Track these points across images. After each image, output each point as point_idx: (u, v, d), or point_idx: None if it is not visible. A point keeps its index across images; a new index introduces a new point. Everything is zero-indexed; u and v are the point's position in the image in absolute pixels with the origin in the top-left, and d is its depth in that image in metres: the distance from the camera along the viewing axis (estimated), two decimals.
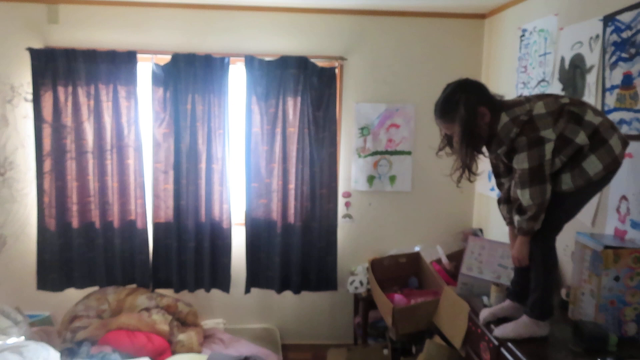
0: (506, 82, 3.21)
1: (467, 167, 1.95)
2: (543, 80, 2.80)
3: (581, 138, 1.85)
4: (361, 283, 3.28)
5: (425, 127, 3.55)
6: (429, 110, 3.48)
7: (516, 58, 3.09)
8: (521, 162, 1.86)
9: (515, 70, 3.09)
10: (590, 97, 2.37)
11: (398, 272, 3.22)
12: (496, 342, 2.04)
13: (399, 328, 2.77)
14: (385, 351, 2.99)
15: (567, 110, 1.87)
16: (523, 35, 3.03)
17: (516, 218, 1.95)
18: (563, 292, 2.30)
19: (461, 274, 2.76)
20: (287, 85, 3.35)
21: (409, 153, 3.57)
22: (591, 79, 2.38)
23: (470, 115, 1.89)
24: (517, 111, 1.89)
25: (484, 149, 2.03)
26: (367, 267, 3.31)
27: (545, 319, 1.97)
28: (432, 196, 3.61)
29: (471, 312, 2.34)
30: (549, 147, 1.83)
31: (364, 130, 3.55)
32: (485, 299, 2.40)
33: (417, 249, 3.31)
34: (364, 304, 3.23)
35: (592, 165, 1.86)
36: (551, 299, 2.00)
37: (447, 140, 2.06)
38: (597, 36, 2.33)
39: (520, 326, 1.97)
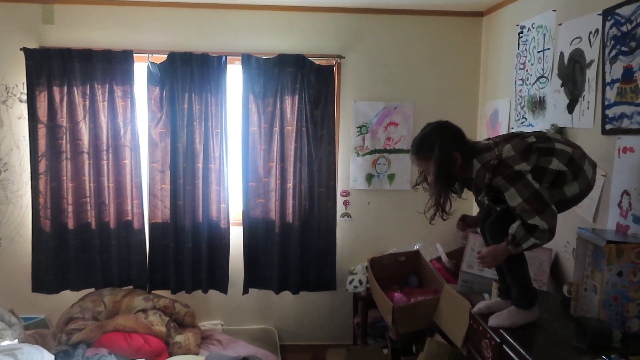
0: (505, 79, 3.19)
1: (440, 207, 2.00)
2: (542, 76, 2.78)
3: (555, 164, 1.92)
4: (360, 282, 3.25)
5: (423, 126, 3.52)
6: (428, 108, 3.53)
7: (514, 55, 3.07)
8: (513, 199, 1.89)
9: (514, 67, 3.07)
10: (590, 91, 2.36)
11: (397, 270, 3.19)
12: (498, 340, 2.01)
13: (399, 327, 2.74)
14: (385, 351, 2.96)
15: (535, 147, 1.94)
16: (521, 32, 3.01)
17: (520, 232, 1.90)
18: (565, 288, 2.27)
19: (462, 271, 2.74)
20: (284, 83, 3.32)
21: (407, 151, 3.55)
22: (591, 73, 2.37)
23: (444, 158, 1.96)
24: (486, 157, 1.96)
25: (459, 189, 2.14)
26: (366, 266, 3.29)
27: (532, 306, 2.02)
28: None
29: (472, 310, 2.31)
30: (529, 177, 1.88)
31: (363, 129, 3.52)
32: (486, 296, 2.38)
33: (416, 247, 3.29)
34: (363, 303, 3.20)
35: (572, 188, 1.95)
36: (531, 286, 2.06)
37: (424, 177, 2.12)
38: (597, 31, 2.32)
39: (513, 315, 2.01)
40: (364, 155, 3.53)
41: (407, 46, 3.51)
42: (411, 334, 2.84)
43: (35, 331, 3.14)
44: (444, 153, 1.95)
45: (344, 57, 3.45)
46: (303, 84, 3.33)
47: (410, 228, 3.57)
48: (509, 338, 1.94)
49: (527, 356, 1.79)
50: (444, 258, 3.10)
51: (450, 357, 2.49)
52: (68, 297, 3.33)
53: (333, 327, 3.64)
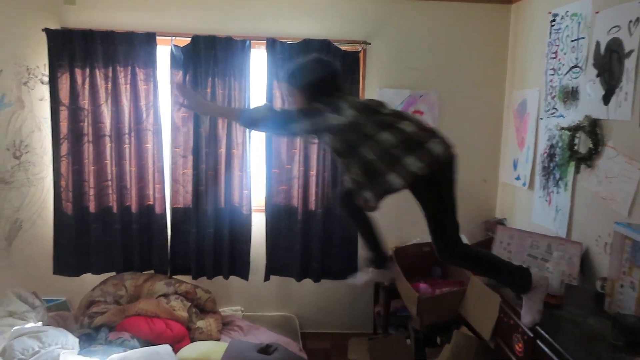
0: (534, 69, 3.12)
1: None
2: (576, 66, 2.71)
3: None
4: None
5: (449, 114, 3.48)
6: (453, 97, 3.47)
7: (545, 43, 2.99)
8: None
9: (545, 56, 3.00)
10: (628, 82, 2.29)
11: (421, 261, 3.16)
12: (531, 334, 1.99)
13: (424, 318, 2.72)
14: (408, 341, 2.95)
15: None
16: (553, 20, 2.93)
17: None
18: (598, 283, 2.24)
19: None
20: None
21: None
22: (630, 64, 2.29)
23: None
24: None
25: None
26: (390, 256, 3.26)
27: (530, 285, 2.03)
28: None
29: (502, 303, 2.28)
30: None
31: None
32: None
33: None
34: (386, 293, 3.18)
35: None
36: (514, 267, 2.09)
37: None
38: (637, 19, 2.24)
39: (530, 304, 2.01)
40: None
41: (434, 33, 3.43)
42: (435, 325, 2.82)
43: (56, 313, 3.15)
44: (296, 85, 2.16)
45: (370, 43, 3.38)
46: None
47: None
48: (543, 333, 1.91)
49: (564, 352, 1.77)
50: None
51: (478, 350, 2.47)
52: (89, 280, 3.33)
53: (353, 316, 3.62)
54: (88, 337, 2.94)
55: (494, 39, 3.46)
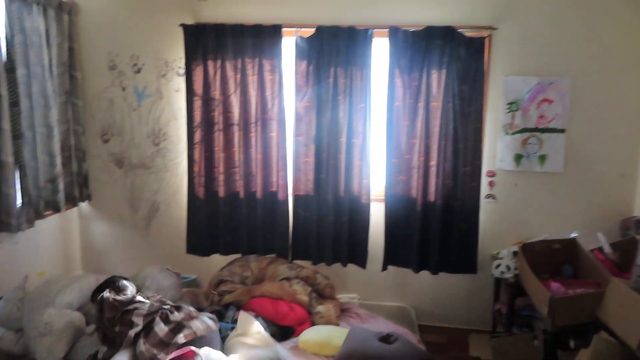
0: None
1: None
2: None
3: None
4: (508, 268, 3.10)
5: (582, 103, 3.24)
6: (588, 84, 3.22)
7: None
8: None
9: None
10: None
11: (550, 258, 2.98)
12: None
13: (555, 319, 2.57)
14: (536, 342, 2.81)
15: None
16: None
17: None
18: None
19: (637, 265, 2.48)
20: (431, 57, 3.20)
21: (562, 131, 3.28)
22: None
23: None
24: None
25: None
26: (514, 252, 3.12)
27: None
28: (588, 179, 3.29)
29: None
30: None
31: (513, 106, 3.30)
32: None
33: (573, 235, 3.05)
34: (510, 290, 3.05)
35: None
36: None
37: None
38: None
39: None
40: (513, 133, 3.32)
41: (567, 15, 3.19)
42: (568, 328, 2.65)
43: (189, 290, 3.40)
44: None
45: (496, 29, 3.23)
46: (451, 57, 3.17)
47: (563, 214, 3.32)
48: None
49: None
50: (607, 249, 2.84)
51: (622, 358, 2.29)
52: (217, 260, 3.56)
53: (471, 312, 3.52)
54: (218, 314, 3.14)
55: (635, 22, 3.14)
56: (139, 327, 2.35)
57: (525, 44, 3.25)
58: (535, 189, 3.36)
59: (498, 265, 3.16)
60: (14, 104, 2.98)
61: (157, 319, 2.40)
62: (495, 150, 3.35)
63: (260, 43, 3.31)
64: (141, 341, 2.32)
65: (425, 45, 3.19)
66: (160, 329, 2.36)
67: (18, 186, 3.05)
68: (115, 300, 2.48)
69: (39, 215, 3.25)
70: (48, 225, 3.45)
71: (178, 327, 2.40)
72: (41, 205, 3.26)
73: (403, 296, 3.58)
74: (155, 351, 2.28)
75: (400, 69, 3.24)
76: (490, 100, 3.32)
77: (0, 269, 3.06)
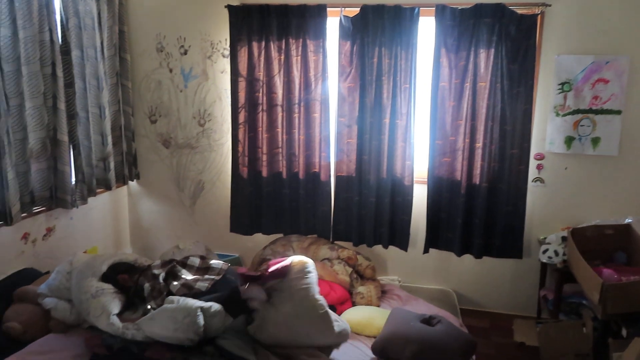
0: None
1: None
2: None
3: None
4: (556, 253, 3.01)
5: None
6: None
7: None
8: None
9: None
10: None
11: (602, 244, 2.88)
12: None
13: (607, 306, 2.49)
14: (585, 329, 2.73)
15: None
16: None
17: None
18: None
19: None
20: (480, 35, 3.10)
21: (618, 112, 3.13)
22: None
23: None
24: None
25: None
26: (563, 237, 3.03)
27: None
28: None
29: None
30: None
31: (565, 86, 3.17)
32: None
33: (628, 220, 2.92)
34: (559, 276, 2.97)
35: None
36: None
37: None
38: None
39: None
40: (564, 115, 3.19)
41: None
42: (620, 316, 2.56)
43: (232, 267, 3.47)
44: None
45: (550, 5, 3.09)
46: (501, 36, 3.07)
47: (616, 199, 3.18)
48: None
49: None
50: None
51: None
52: (259, 239, 3.63)
53: (515, 297, 3.45)
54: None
55: None
56: (163, 274, 2.62)
57: (581, 21, 3.11)
58: (586, 172, 3.23)
59: (545, 251, 3.07)
60: (69, 85, 3.11)
61: (178, 266, 2.69)
62: (545, 132, 3.24)
63: (305, 23, 3.30)
64: (175, 283, 2.57)
65: (473, 23, 3.10)
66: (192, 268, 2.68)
67: (72, 164, 3.19)
68: (122, 275, 2.68)
69: (92, 193, 3.39)
70: (100, 203, 3.60)
71: (205, 269, 2.68)
72: (93, 182, 3.40)
73: (445, 279, 3.54)
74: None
75: (446, 48, 3.17)
76: (540, 80, 3.20)
77: (56, 244, 3.23)
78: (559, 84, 3.18)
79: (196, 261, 2.76)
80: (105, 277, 2.64)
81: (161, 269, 2.68)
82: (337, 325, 2.52)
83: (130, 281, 2.66)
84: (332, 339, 2.49)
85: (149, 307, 2.49)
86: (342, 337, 2.54)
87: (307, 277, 2.54)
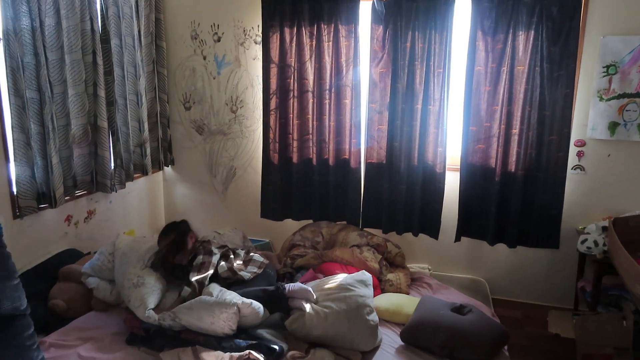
0: None
1: None
2: None
3: None
4: (596, 243, 2.89)
5: None
6: None
7: None
8: None
9: None
10: None
11: None
12: None
13: None
14: (625, 323, 2.61)
15: None
16: None
17: None
18: None
19: None
20: (519, 17, 2.99)
21: None
22: None
23: None
24: None
25: None
26: (603, 227, 2.90)
27: None
28: None
29: None
30: None
31: (610, 69, 3.01)
32: None
33: None
34: (598, 267, 2.85)
35: None
36: None
37: None
38: None
39: None
40: (608, 99, 3.04)
41: None
42: None
43: (263, 252, 3.50)
44: None
45: None
46: (541, 17, 2.94)
47: None
48: None
49: None
50: None
51: None
52: (289, 225, 3.65)
53: (550, 288, 3.35)
54: (290, 276, 3.23)
55: None
56: (217, 255, 2.77)
57: (628, 0, 2.94)
58: (631, 160, 3.07)
59: (584, 241, 2.95)
60: (108, 72, 3.20)
61: (230, 251, 2.88)
62: (587, 117, 3.10)
63: (337, 8, 3.26)
64: (223, 264, 2.73)
65: (512, 4, 2.99)
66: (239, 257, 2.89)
67: (111, 150, 3.29)
68: (193, 233, 2.87)
69: (129, 177, 3.49)
70: (136, 187, 3.71)
71: (248, 261, 2.87)
72: (131, 168, 3.50)
73: (476, 268, 3.47)
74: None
75: (483, 31, 3.07)
76: (583, 63, 3.06)
77: (97, 226, 3.36)
78: (604, 67, 3.03)
79: (242, 253, 2.93)
80: (154, 265, 2.76)
81: (218, 249, 2.84)
82: (378, 336, 2.51)
83: (196, 242, 2.83)
84: (369, 348, 2.46)
85: (186, 286, 2.58)
86: (377, 346, 2.52)
87: (366, 288, 2.59)
